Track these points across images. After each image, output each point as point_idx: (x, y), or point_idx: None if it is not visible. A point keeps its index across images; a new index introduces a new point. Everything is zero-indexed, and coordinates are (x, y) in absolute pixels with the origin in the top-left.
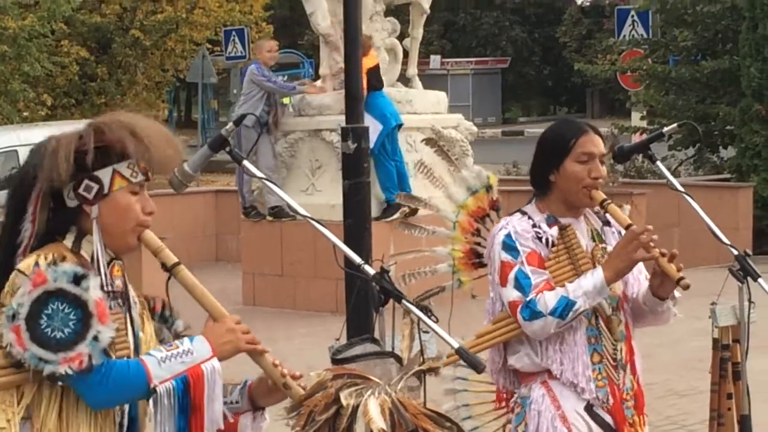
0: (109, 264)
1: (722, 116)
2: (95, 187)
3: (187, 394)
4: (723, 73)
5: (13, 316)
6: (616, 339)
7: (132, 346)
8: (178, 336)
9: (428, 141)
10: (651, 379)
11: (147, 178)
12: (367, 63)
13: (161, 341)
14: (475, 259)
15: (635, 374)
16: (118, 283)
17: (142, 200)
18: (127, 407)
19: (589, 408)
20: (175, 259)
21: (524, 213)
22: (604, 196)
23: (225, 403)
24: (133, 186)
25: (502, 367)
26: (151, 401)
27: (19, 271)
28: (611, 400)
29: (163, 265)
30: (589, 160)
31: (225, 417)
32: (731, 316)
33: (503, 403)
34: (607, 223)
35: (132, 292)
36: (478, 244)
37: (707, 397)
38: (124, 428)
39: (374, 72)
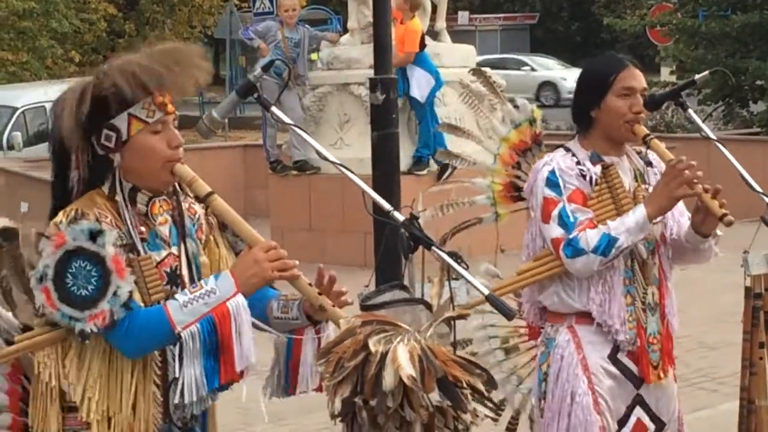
0: (148, 203)
1: (752, 70)
2: (114, 135)
3: (215, 334)
4: (753, 27)
5: (41, 278)
6: (648, 283)
7: (188, 278)
8: None
9: (476, 72)
10: (681, 332)
11: (167, 111)
12: (418, 24)
13: (237, 254)
14: (514, 192)
15: (664, 318)
16: (164, 218)
17: (166, 136)
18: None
19: (613, 355)
20: (209, 189)
21: (568, 149)
22: (647, 131)
23: (287, 319)
24: (152, 126)
25: (534, 303)
26: (177, 346)
27: (41, 234)
28: (637, 343)
29: (197, 196)
30: (630, 95)
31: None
32: (764, 264)
33: (529, 338)
34: (649, 163)
35: (197, 215)
36: (518, 177)
37: (738, 350)
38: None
39: (422, 33)
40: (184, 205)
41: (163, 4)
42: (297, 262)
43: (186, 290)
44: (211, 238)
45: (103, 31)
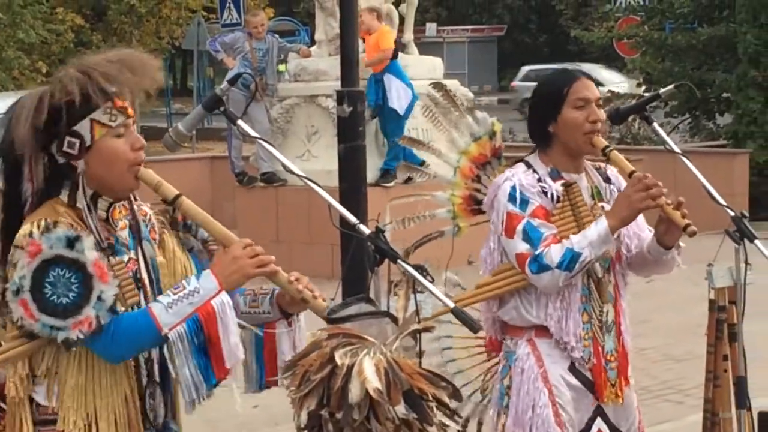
0: (109, 208)
1: (718, 83)
2: (77, 141)
3: (201, 333)
4: (719, 40)
5: (18, 290)
6: (604, 301)
7: (147, 281)
8: (205, 243)
9: (436, 85)
10: (647, 344)
11: (128, 115)
12: (388, 28)
13: (190, 250)
14: (474, 206)
15: (620, 336)
16: (123, 223)
17: (129, 139)
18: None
19: (573, 367)
20: (176, 192)
21: (528, 165)
22: (606, 143)
23: (257, 313)
24: (115, 130)
25: (493, 317)
26: (165, 348)
27: (15, 245)
28: (593, 360)
29: (164, 200)
30: (585, 105)
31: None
32: (728, 277)
33: (490, 351)
34: (608, 179)
35: (148, 216)
36: (478, 190)
37: (704, 362)
38: (154, 370)
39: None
40: (135, 207)
41: (131, 15)
42: (274, 258)
43: (168, 291)
44: (164, 237)
45: (70, 42)
